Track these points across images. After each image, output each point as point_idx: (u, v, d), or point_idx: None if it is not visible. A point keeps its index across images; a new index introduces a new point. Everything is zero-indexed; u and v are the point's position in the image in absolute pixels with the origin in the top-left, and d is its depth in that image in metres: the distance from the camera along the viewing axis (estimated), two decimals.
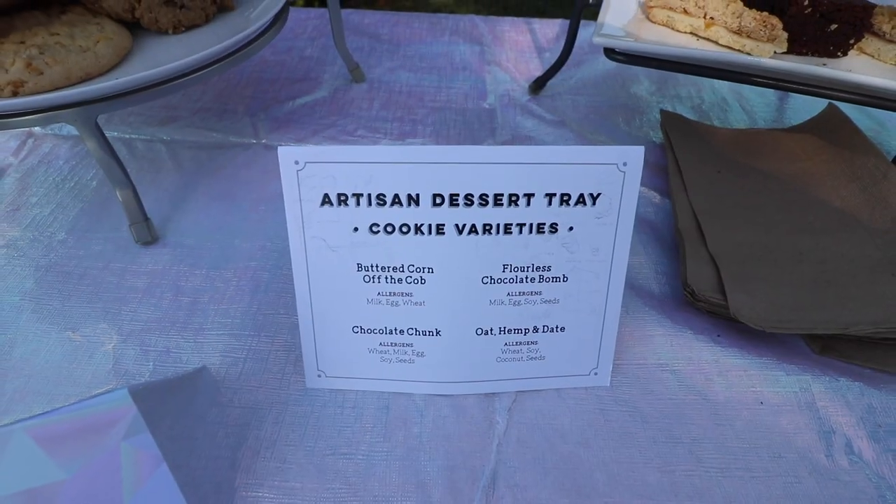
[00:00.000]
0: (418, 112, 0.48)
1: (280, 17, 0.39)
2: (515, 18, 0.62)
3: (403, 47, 0.56)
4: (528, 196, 0.24)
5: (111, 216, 0.36)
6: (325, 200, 0.23)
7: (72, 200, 0.38)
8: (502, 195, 0.23)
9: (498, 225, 0.24)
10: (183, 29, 0.37)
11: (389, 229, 0.24)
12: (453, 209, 0.24)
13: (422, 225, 0.24)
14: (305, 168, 0.23)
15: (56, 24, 0.34)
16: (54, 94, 0.29)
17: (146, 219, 0.34)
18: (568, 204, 0.24)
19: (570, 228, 0.24)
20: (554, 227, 0.24)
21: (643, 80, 0.52)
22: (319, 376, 0.27)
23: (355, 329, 0.26)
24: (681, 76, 0.53)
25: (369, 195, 0.23)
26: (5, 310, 0.30)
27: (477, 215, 0.24)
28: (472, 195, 0.23)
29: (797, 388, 0.28)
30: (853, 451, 0.25)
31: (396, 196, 0.23)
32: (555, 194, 0.24)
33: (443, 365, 0.26)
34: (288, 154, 0.23)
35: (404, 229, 0.24)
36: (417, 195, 0.23)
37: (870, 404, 0.27)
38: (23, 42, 0.31)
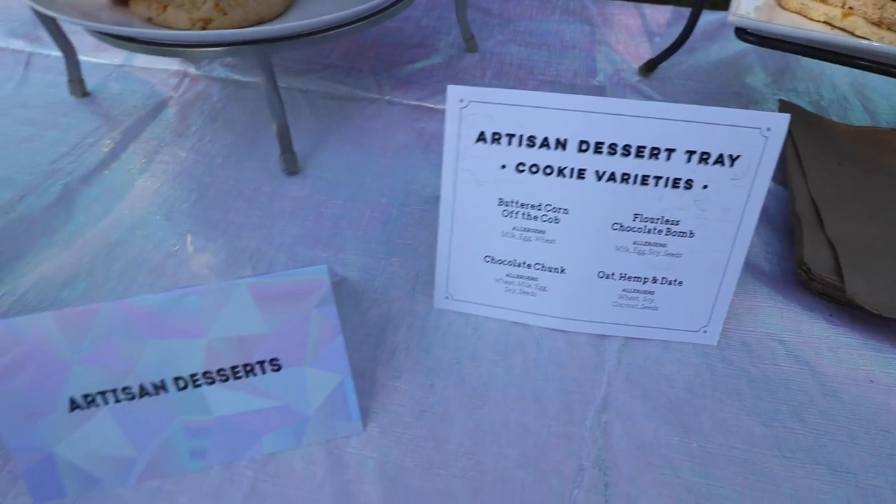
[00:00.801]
0: (529, 84, 0.50)
1: None
2: (625, 2, 0.62)
3: (514, 23, 0.58)
4: (669, 151, 0.25)
5: (258, 148, 0.41)
6: (481, 137, 0.26)
7: (225, 132, 0.43)
8: (644, 148, 0.25)
9: (636, 175, 0.26)
10: None
11: (534, 169, 0.26)
12: (596, 156, 0.26)
13: (564, 168, 0.26)
14: (469, 106, 0.26)
15: None
16: (241, 30, 0.33)
17: (293, 151, 0.38)
18: (706, 162, 0.25)
19: (705, 186, 0.26)
20: (689, 184, 0.26)
21: (758, 72, 0.52)
22: (447, 298, 0.30)
23: (486, 258, 0.28)
24: (798, 70, 0.52)
25: (521, 136, 0.26)
26: (177, 214, 0.36)
27: (618, 164, 0.26)
28: (615, 145, 0.25)
29: None
30: None
31: (546, 139, 0.26)
32: (695, 152, 0.25)
33: (563, 301, 0.28)
34: (455, 92, 0.26)
35: (548, 171, 0.26)
36: (565, 140, 0.26)
37: None
38: None
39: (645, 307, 0.28)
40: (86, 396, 0.21)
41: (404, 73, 0.50)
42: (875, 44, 0.35)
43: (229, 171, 0.39)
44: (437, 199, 0.37)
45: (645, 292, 0.28)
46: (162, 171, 0.39)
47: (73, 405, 0.21)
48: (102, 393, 0.21)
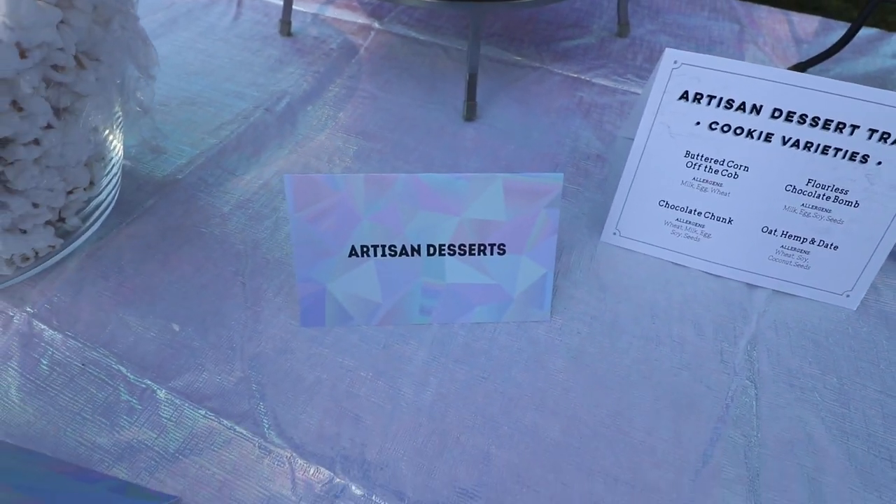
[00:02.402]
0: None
1: None
2: (773, 8, 0.64)
3: (663, 15, 0.62)
4: (854, 127, 0.29)
5: (439, 95, 0.47)
6: (683, 96, 0.31)
7: (409, 80, 0.49)
8: (831, 121, 0.29)
9: (818, 145, 0.30)
10: None
11: (725, 129, 0.31)
12: (786, 123, 0.30)
13: (754, 131, 0.30)
14: (680, 68, 0.30)
15: None
16: None
17: (475, 100, 0.44)
18: (885, 142, 0.29)
19: (879, 163, 0.29)
20: (864, 159, 0.29)
21: None
22: (615, 234, 0.35)
23: (661, 202, 0.33)
24: None
25: (721, 98, 0.30)
26: (377, 136, 0.42)
27: (803, 133, 0.30)
28: (805, 116, 0.29)
29: None
30: None
31: (743, 104, 0.30)
32: (876, 131, 0.29)
33: (723, 249, 0.33)
34: (671, 54, 0.30)
35: (738, 131, 0.31)
36: (761, 106, 0.30)
37: None
38: None
39: (797, 265, 0.32)
40: (363, 247, 0.28)
41: (560, 49, 0.55)
42: None
43: (416, 112, 0.46)
44: (598, 156, 0.42)
45: (801, 251, 0.32)
46: (360, 104, 0.46)
47: (352, 252, 0.28)
48: (375, 247, 0.28)
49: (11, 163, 0.24)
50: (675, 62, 0.30)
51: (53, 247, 0.30)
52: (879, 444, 0.26)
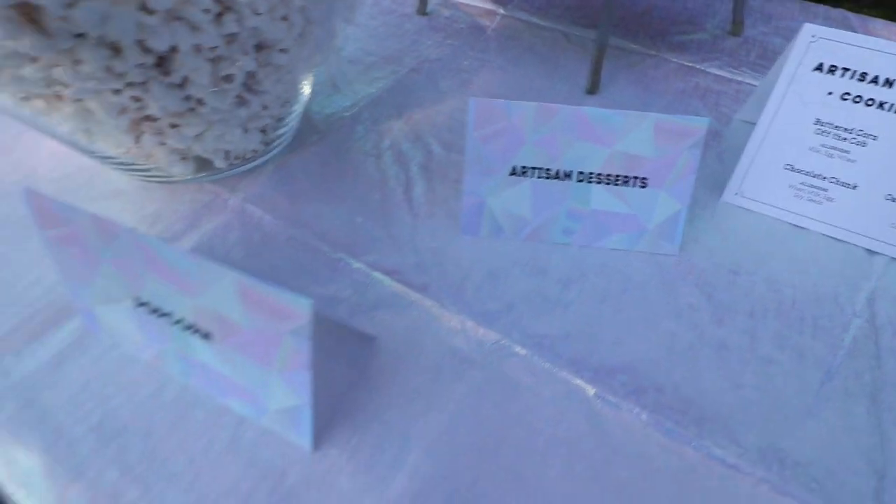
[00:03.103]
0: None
1: None
2: (889, 22, 0.65)
3: (775, 20, 0.64)
4: None
5: (561, 72, 0.52)
6: (818, 67, 0.34)
7: (533, 58, 0.54)
8: None
9: None
10: None
11: (857, 100, 0.33)
12: None
13: (885, 103, 0.33)
14: (818, 42, 0.33)
15: None
16: None
17: (599, 73, 0.48)
18: None
19: None
20: None
21: None
22: (736, 194, 0.38)
23: (787, 167, 0.36)
24: None
25: (855, 71, 0.33)
26: (508, 98, 0.47)
27: None
28: None
29: None
30: None
31: (876, 77, 0.33)
32: None
33: (845, 214, 0.35)
34: (809, 29, 0.33)
35: (869, 102, 0.33)
36: (894, 80, 0.32)
37: None
38: None
39: None
40: (523, 168, 0.32)
41: (675, 41, 0.58)
42: None
43: (543, 83, 0.50)
44: (716, 133, 0.45)
45: None
46: (492, 74, 0.52)
47: (513, 171, 0.33)
48: (533, 168, 0.32)
49: (265, 66, 0.30)
50: (813, 37, 0.33)
51: (256, 151, 0.37)
52: None
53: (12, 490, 0.24)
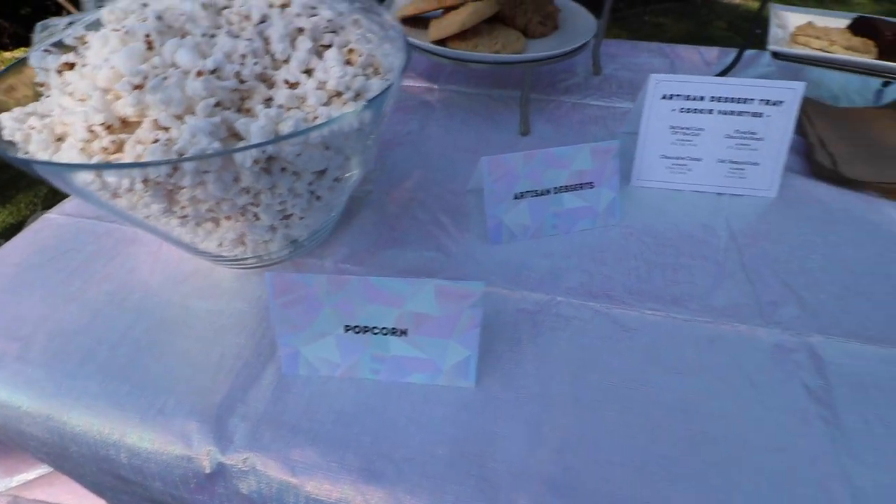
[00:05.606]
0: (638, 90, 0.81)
1: (589, 42, 0.75)
2: (688, 45, 0.95)
3: (618, 59, 0.91)
4: (752, 100, 0.55)
5: (497, 124, 0.72)
6: (663, 97, 0.57)
7: (472, 116, 0.74)
8: (741, 98, 0.56)
9: (737, 111, 0.56)
10: (542, 36, 0.74)
11: (687, 111, 0.57)
12: (718, 103, 0.56)
13: (702, 109, 0.56)
14: (660, 83, 0.56)
15: (499, 31, 0.71)
16: (523, 55, 0.65)
17: (527, 119, 0.69)
18: (768, 104, 0.55)
19: (769, 116, 0.56)
20: (759, 114, 0.56)
21: None
22: (638, 179, 0.60)
23: (661, 156, 0.58)
24: (808, 81, 0.83)
25: (682, 95, 0.56)
26: (469, 147, 0.66)
27: (727, 107, 0.56)
28: (726, 97, 0.56)
29: None
30: None
31: (691, 96, 0.56)
32: (764, 100, 0.55)
33: (699, 176, 0.58)
34: (654, 77, 0.56)
35: (694, 111, 0.57)
36: (702, 96, 0.56)
37: None
38: (496, 36, 0.69)
39: (739, 178, 0.58)
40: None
41: (562, 87, 0.82)
42: (854, 57, 0.66)
43: (487, 135, 0.70)
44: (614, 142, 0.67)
45: (739, 170, 0.58)
46: (450, 136, 0.70)
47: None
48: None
49: (329, 187, 0.44)
50: (657, 80, 0.56)
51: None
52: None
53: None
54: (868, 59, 0.65)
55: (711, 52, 0.94)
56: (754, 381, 0.39)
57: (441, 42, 0.70)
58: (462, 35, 0.69)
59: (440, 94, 0.80)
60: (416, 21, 0.75)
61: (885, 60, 0.67)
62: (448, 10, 0.72)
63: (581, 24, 0.76)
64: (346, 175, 0.44)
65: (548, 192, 0.52)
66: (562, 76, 0.86)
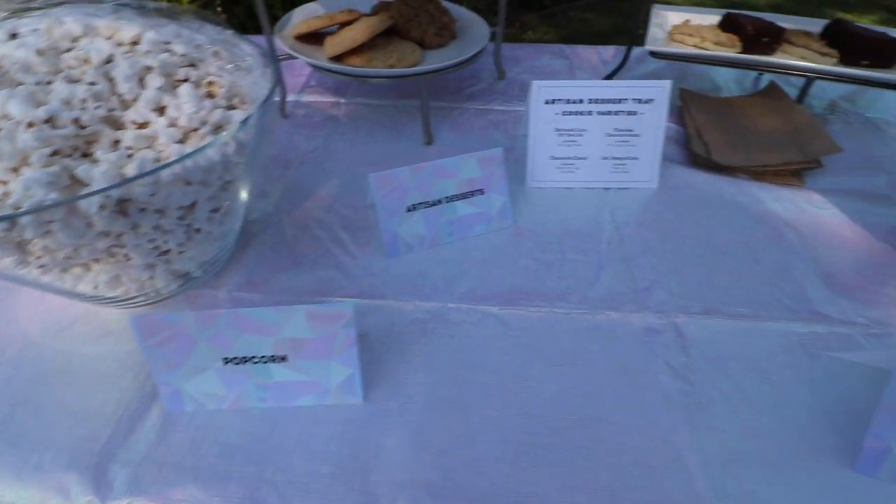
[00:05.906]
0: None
1: (483, 50, 0.77)
2: (587, 46, 1.00)
3: (522, 62, 0.94)
4: (626, 99, 0.59)
5: (402, 134, 0.74)
6: (548, 101, 0.60)
7: (377, 128, 0.75)
8: (616, 98, 0.59)
9: (614, 111, 0.60)
10: (440, 47, 0.75)
11: (569, 113, 0.60)
12: (597, 105, 0.59)
13: (583, 112, 0.60)
14: (542, 89, 0.59)
15: (395, 44, 0.72)
16: (414, 68, 0.66)
17: (431, 133, 0.71)
18: (640, 103, 0.59)
19: (642, 114, 0.60)
20: (634, 112, 0.60)
21: (667, 77, 0.88)
22: (532, 180, 0.62)
23: (551, 157, 0.61)
24: (690, 75, 0.89)
25: (563, 99, 0.59)
26: (377, 161, 0.67)
27: (605, 107, 0.60)
28: (603, 99, 0.59)
29: None
30: None
31: (570, 100, 0.59)
32: (637, 99, 0.59)
33: (586, 174, 0.61)
34: (537, 83, 0.59)
35: (576, 113, 0.60)
36: (582, 99, 0.59)
37: None
38: (391, 49, 0.70)
39: (623, 172, 0.61)
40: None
41: (467, 93, 0.84)
42: (722, 53, 0.71)
43: (392, 146, 0.71)
44: (510, 148, 0.70)
45: (622, 165, 0.61)
46: (356, 150, 0.71)
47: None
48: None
49: (207, 219, 0.44)
50: (539, 87, 0.59)
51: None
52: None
53: None
54: (731, 53, 0.71)
55: (608, 52, 0.99)
56: (625, 365, 0.42)
57: (338, 58, 0.71)
58: (357, 50, 0.70)
59: (346, 108, 0.81)
60: (315, 38, 0.76)
61: (747, 53, 0.73)
62: (342, 25, 0.72)
63: (477, 32, 0.78)
64: (226, 204, 0.44)
65: (439, 202, 0.54)
66: (467, 83, 0.88)
